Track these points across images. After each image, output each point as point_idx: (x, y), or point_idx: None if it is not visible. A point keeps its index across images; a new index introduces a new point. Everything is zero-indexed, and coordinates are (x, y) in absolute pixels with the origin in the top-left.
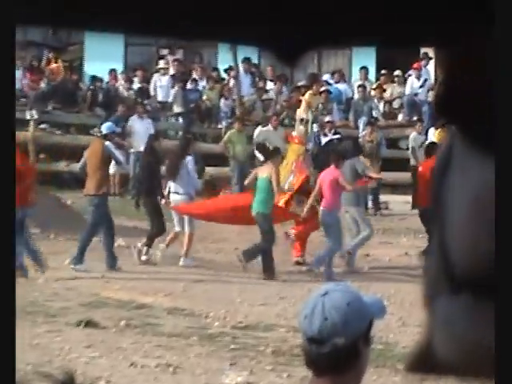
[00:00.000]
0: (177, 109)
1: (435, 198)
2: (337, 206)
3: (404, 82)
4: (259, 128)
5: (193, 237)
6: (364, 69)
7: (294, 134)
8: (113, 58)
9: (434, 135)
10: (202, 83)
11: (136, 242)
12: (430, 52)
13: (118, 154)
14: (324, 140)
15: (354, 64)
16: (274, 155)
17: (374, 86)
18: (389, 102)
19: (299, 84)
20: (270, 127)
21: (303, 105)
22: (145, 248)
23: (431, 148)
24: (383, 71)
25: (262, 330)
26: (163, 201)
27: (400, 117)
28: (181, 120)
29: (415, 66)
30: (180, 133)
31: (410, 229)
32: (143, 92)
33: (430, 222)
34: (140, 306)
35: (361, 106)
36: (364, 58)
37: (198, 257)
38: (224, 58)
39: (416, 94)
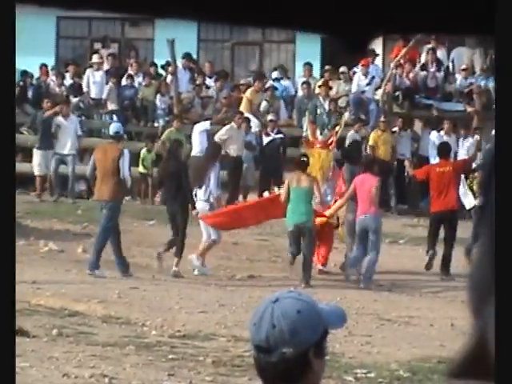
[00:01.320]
0: (111, 106)
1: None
2: (378, 211)
3: (350, 79)
4: (224, 128)
5: (214, 245)
6: (308, 65)
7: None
8: (44, 51)
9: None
10: (138, 79)
11: (68, 245)
12: (378, 48)
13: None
14: (266, 140)
15: (297, 59)
16: (303, 165)
17: (320, 83)
18: (334, 100)
19: (242, 81)
20: (233, 125)
21: (244, 102)
22: (175, 260)
23: (444, 149)
24: (327, 67)
25: (201, 339)
26: (194, 211)
27: (346, 115)
28: (115, 118)
29: (363, 62)
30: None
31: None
32: (75, 88)
33: (450, 225)
34: (73, 314)
35: (305, 103)
36: (308, 53)
37: (133, 262)
38: (161, 53)
39: (363, 92)
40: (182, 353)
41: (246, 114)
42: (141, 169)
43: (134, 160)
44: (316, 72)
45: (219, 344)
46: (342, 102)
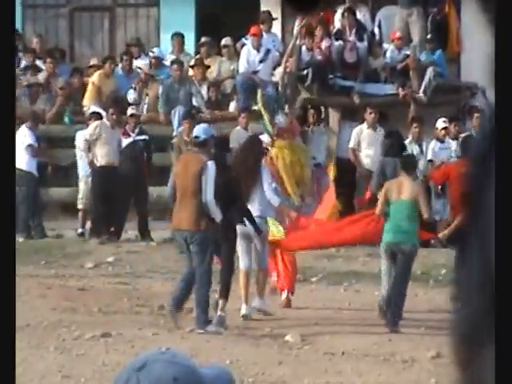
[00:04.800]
0: None
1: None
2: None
3: (236, 54)
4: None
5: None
6: (178, 36)
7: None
8: None
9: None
10: None
11: None
12: (275, 11)
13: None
14: (125, 142)
15: (163, 29)
16: (412, 166)
17: (193, 63)
18: (216, 85)
19: (92, 63)
20: (105, 122)
21: (90, 90)
22: (221, 302)
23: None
24: (204, 39)
25: None
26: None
27: (232, 105)
28: None
29: (253, 31)
30: None
31: None
32: None
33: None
34: None
35: (175, 90)
36: (178, 21)
37: None
38: None
39: (255, 72)
40: None
41: (93, 108)
42: None
43: None
44: (190, 46)
45: None
46: (226, 87)
